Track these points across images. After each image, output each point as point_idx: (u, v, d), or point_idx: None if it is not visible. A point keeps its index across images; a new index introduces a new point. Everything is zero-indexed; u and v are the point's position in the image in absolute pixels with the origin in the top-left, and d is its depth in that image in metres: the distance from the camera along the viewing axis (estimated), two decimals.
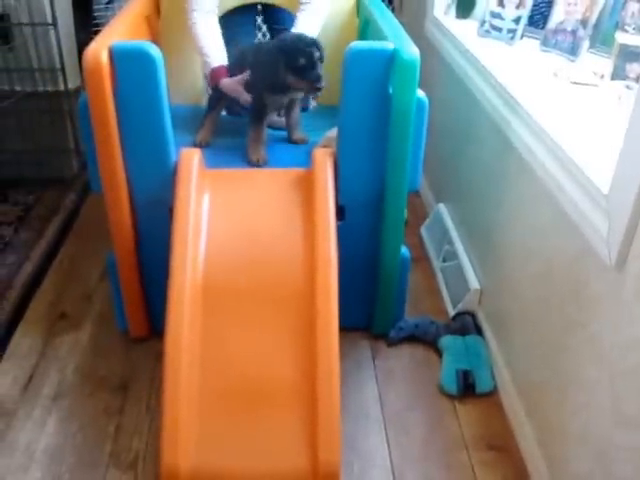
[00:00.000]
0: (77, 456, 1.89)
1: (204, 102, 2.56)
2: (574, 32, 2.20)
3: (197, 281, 1.77)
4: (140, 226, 2.10)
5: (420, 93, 1.94)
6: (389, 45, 1.89)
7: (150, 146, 1.96)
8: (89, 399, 2.08)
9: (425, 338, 2.30)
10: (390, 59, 1.88)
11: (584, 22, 2.17)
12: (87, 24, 3.35)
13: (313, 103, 2.74)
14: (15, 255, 2.77)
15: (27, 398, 2.08)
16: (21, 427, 1.98)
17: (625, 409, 1.37)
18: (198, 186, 1.90)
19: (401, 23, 2.17)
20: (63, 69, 3.11)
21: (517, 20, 2.46)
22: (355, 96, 1.93)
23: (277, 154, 2.29)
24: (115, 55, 1.83)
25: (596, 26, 2.15)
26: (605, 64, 1.99)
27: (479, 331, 2.28)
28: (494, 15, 2.53)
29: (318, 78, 2.08)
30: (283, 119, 2.43)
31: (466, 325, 2.29)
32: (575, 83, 2.06)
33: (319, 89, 2.12)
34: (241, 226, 1.90)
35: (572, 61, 2.20)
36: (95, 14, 3.42)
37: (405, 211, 2.12)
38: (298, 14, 2.42)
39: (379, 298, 2.25)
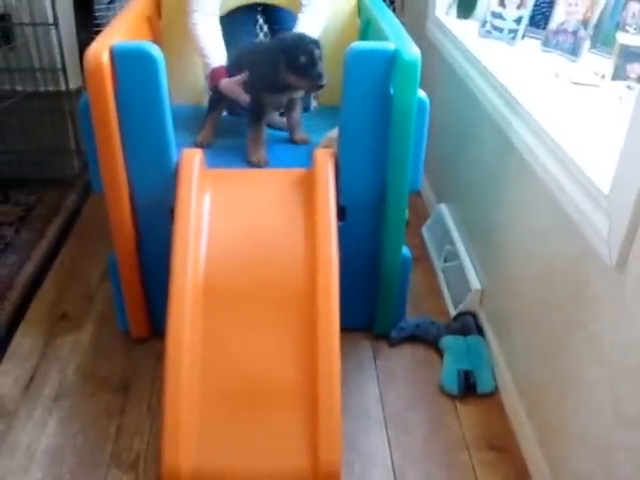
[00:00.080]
0: (78, 457, 1.89)
1: (205, 102, 2.56)
2: (575, 32, 2.20)
3: (198, 281, 1.77)
4: (141, 226, 2.10)
5: (421, 93, 1.94)
6: (390, 45, 1.89)
7: (151, 146, 1.96)
8: (90, 399, 2.08)
9: (426, 338, 2.30)
10: (391, 59, 1.88)
11: (585, 22, 2.17)
12: (88, 24, 3.35)
13: (314, 103, 2.74)
14: (16, 255, 2.77)
15: (28, 398, 2.08)
16: (22, 427, 1.98)
17: (625, 409, 1.37)
18: (199, 186, 1.90)
19: (402, 23, 2.17)
20: (64, 69, 3.11)
21: (518, 20, 2.46)
22: (356, 96, 1.93)
23: (278, 154, 2.29)
24: (116, 55, 1.83)
25: (597, 26, 2.15)
26: (606, 64, 1.99)
27: (480, 331, 2.28)
28: (495, 15, 2.53)
29: (320, 76, 2.08)
30: (285, 119, 2.43)
31: (467, 325, 2.29)
32: (576, 83, 2.06)
33: (321, 87, 2.13)
34: (242, 226, 1.90)
35: (573, 61, 2.20)
36: (96, 14, 3.42)
37: (406, 211, 2.12)
38: (300, 15, 2.43)
39: (380, 298, 2.25)
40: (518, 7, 2.46)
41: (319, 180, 1.93)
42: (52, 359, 2.24)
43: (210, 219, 1.89)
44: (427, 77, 2.11)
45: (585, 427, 1.54)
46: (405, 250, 2.19)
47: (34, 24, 3.02)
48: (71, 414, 2.02)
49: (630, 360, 1.35)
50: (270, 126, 2.45)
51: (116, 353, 2.26)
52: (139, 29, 2.30)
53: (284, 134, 2.41)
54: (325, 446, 1.57)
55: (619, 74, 1.88)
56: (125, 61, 1.84)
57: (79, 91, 3.14)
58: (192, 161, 1.94)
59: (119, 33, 1.98)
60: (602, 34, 2.16)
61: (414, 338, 2.31)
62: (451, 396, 2.09)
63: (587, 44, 2.18)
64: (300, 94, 2.28)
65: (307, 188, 1.96)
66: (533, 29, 2.49)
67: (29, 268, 2.68)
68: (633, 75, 1.85)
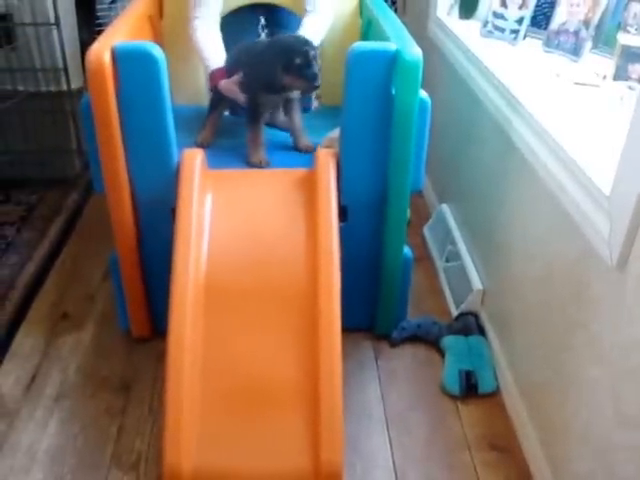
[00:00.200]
0: (79, 457, 1.89)
1: (206, 103, 2.56)
2: (577, 33, 2.20)
3: (199, 281, 1.77)
4: (142, 226, 2.10)
5: (423, 93, 1.94)
6: (392, 46, 1.89)
7: (152, 146, 1.96)
8: (91, 400, 2.08)
9: (427, 338, 2.30)
10: (393, 60, 1.88)
11: (586, 23, 2.17)
12: (90, 24, 3.35)
13: (315, 104, 2.74)
14: (18, 255, 2.78)
15: (29, 398, 2.08)
16: (23, 428, 1.98)
17: (626, 409, 1.37)
18: (200, 186, 1.91)
19: (404, 23, 2.17)
20: (66, 69, 3.11)
21: (520, 21, 2.46)
22: (357, 97, 1.93)
23: (279, 154, 2.29)
24: (118, 55, 1.83)
25: (598, 27, 2.15)
26: (607, 65, 1.98)
27: (482, 331, 2.28)
28: (497, 16, 2.53)
29: (315, 77, 2.09)
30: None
31: (469, 325, 2.29)
32: (577, 84, 2.06)
33: (316, 87, 2.15)
34: (243, 226, 1.90)
35: (574, 62, 2.19)
36: (98, 14, 3.42)
37: (408, 211, 2.12)
38: (304, 19, 2.47)
39: (382, 298, 2.25)
40: (520, 7, 2.46)
41: (321, 180, 1.93)
42: (53, 359, 2.24)
43: (211, 219, 1.89)
44: (429, 77, 2.11)
45: (586, 427, 1.55)
46: (406, 250, 2.19)
47: (36, 24, 3.02)
48: (72, 414, 2.03)
49: (631, 360, 1.35)
50: (275, 126, 2.45)
51: (117, 353, 2.26)
52: (141, 29, 2.30)
53: (287, 139, 2.40)
54: (327, 446, 1.57)
55: (620, 74, 1.88)
56: (127, 61, 1.84)
57: (80, 91, 3.15)
58: (193, 161, 1.94)
59: (121, 33, 1.98)
60: (603, 34, 2.16)
61: (415, 338, 2.31)
62: (452, 396, 2.09)
63: (588, 44, 2.18)
64: (296, 94, 2.28)
65: (309, 188, 1.96)
66: (535, 29, 2.49)
67: (30, 268, 2.68)
68: (634, 76, 1.84)
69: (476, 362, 2.15)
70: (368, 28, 2.56)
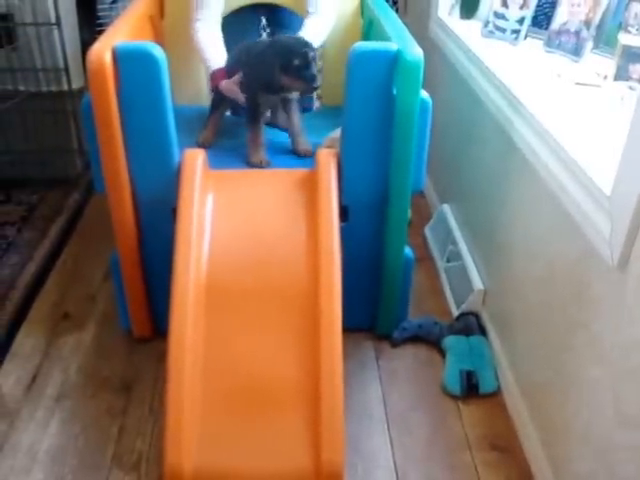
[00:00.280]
0: (80, 457, 1.89)
1: (207, 103, 2.56)
2: (577, 33, 2.20)
3: (200, 281, 1.77)
4: (143, 226, 2.11)
5: (424, 94, 1.94)
6: (393, 46, 1.89)
7: (153, 146, 1.96)
8: (92, 400, 2.08)
9: (429, 338, 2.30)
10: (394, 60, 1.88)
11: (587, 23, 2.16)
12: (91, 24, 3.35)
13: (316, 104, 2.74)
14: (18, 255, 2.78)
15: (30, 398, 2.08)
16: (24, 428, 1.98)
17: (626, 409, 1.37)
18: (201, 186, 1.91)
19: (405, 24, 2.17)
20: (67, 69, 3.11)
21: (521, 21, 2.46)
22: (359, 97, 1.93)
23: (280, 154, 2.29)
24: (119, 56, 1.83)
25: (599, 27, 2.15)
26: (608, 65, 1.98)
27: (483, 331, 2.28)
28: (498, 16, 2.53)
29: (313, 78, 2.10)
30: None
31: (470, 325, 2.29)
32: (578, 84, 2.06)
33: (315, 89, 2.16)
34: (244, 226, 1.90)
35: (575, 62, 2.19)
36: (99, 14, 3.41)
37: (409, 211, 2.12)
38: (306, 20, 2.47)
39: (383, 298, 2.25)
40: (521, 7, 2.46)
41: (322, 180, 1.93)
42: (54, 359, 2.24)
43: (212, 219, 1.89)
44: (430, 77, 2.11)
45: (587, 427, 1.54)
46: (408, 250, 2.19)
47: (37, 24, 3.02)
48: (73, 414, 2.03)
49: (631, 360, 1.35)
50: (276, 126, 2.45)
51: (118, 353, 2.26)
52: (142, 29, 2.31)
53: (287, 143, 2.39)
54: (328, 446, 1.57)
55: (621, 75, 1.88)
56: (127, 61, 1.84)
57: (81, 91, 3.15)
58: (195, 161, 1.94)
59: (122, 33, 1.99)
60: (604, 35, 2.16)
61: (416, 338, 2.31)
62: (453, 396, 2.09)
63: (589, 45, 2.17)
64: (295, 95, 2.28)
65: (310, 188, 1.96)
66: (536, 29, 2.48)
67: (31, 268, 2.68)
68: (635, 76, 1.84)
69: (477, 362, 2.15)
70: (369, 28, 2.56)
